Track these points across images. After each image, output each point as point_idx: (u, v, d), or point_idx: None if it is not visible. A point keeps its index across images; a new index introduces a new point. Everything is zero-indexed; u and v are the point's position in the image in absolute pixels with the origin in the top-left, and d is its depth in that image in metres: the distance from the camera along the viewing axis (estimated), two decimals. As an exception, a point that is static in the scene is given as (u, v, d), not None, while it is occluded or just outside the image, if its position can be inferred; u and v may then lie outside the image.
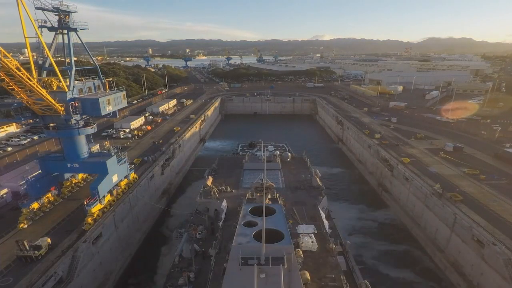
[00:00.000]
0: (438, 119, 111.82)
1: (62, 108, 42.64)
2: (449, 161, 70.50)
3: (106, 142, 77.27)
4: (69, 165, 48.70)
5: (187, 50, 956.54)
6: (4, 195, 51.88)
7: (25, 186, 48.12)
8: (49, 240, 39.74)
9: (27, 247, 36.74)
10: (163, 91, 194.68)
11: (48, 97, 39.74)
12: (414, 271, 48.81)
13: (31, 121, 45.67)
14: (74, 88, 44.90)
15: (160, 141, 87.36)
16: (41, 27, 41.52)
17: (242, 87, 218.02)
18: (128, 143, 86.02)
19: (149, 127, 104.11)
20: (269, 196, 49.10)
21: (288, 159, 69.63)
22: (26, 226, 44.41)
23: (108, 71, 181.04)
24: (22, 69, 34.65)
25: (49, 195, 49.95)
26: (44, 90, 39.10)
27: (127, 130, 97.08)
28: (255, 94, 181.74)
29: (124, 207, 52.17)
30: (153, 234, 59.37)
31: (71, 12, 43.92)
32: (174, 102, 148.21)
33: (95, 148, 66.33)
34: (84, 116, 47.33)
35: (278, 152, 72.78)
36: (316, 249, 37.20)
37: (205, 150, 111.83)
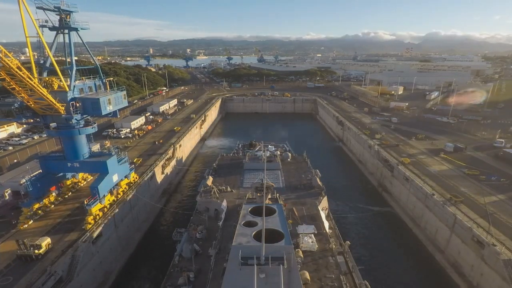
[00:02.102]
0: (438, 120, 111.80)
1: (63, 108, 42.72)
2: (450, 162, 70.51)
3: (107, 141, 77.45)
4: (69, 164, 48.78)
5: (188, 50, 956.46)
6: (7, 195, 52.00)
7: (25, 186, 48.15)
8: (49, 239, 39.81)
9: (27, 246, 36.82)
10: (164, 91, 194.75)
11: (49, 96, 39.82)
12: (414, 271, 48.79)
13: (32, 120, 45.69)
14: (75, 88, 44.94)
15: (161, 141, 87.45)
16: (42, 26, 41.59)
17: (242, 87, 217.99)
18: (129, 143, 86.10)
19: (149, 127, 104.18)
20: (269, 196, 49.16)
21: (289, 159, 69.64)
22: (26, 225, 44.48)
23: (109, 70, 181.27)
24: (23, 68, 34.77)
25: (49, 194, 50.04)
26: (45, 90, 39.20)
27: (128, 130, 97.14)
28: (256, 94, 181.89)
29: (124, 206, 52.22)
30: (153, 233, 59.39)
31: (72, 11, 43.97)
32: (174, 102, 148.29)
33: (96, 147, 66.39)
34: (84, 116, 47.40)
35: (279, 152, 72.80)
36: (316, 249, 37.26)
37: (205, 150, 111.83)
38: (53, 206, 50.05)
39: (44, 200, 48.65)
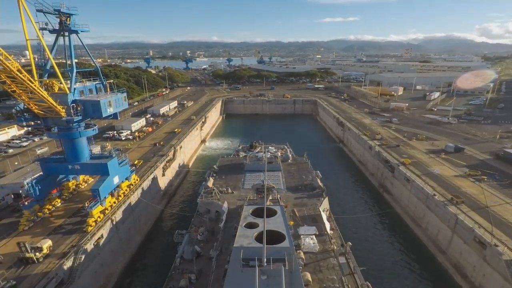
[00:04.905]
0: (439, 120, 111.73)
1: (64, 110, 42.75)
2: (450, 162, 70.42)
3: (107, 143, 77.46)
4: (70, 166, 48.77)
5: (188, 52, 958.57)
6: (12, 198, 52.16)
7: (26, 188, 48.20)
8: (50, 242, 39.79)
9: (28, 249, 36.78)
10: (164, 93, 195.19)
11: (49, 99, 39.83)
12: (416, 272, 48.61)
13: (32, 123, 45.70)
14: (76, 90, 45.00)
15: (161, 143, 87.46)
16: (42, 29, 41.65)
17: (242, 89, 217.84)
18: (129, 145, 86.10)
19: (150, 129, 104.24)
20: (270, 197, 49.10)
21: (289, 160, 69.57)
22: (27, 228, 44.46)
23: (109, 73, 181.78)
24: (23, 71, 34.75)
25: (50, 196, 50.04)
26: (45, 92, 39.22)
27: (128, 132, 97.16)
28: (258, 95, 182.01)
29: (125, 208, 52.19)
30: (154, 235, 59.34)
31: (72, 14, 44.03)
32: (175, 103, 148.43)
33: (96, 149, 66.40)
34: (86, 119, 47.44)
35: (279, 153, 72.73)
36: (317, 250, 37.17)
37: (206, 151, 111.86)
38: (54, 208, 50.07)
39: (48, 206, 48.80)
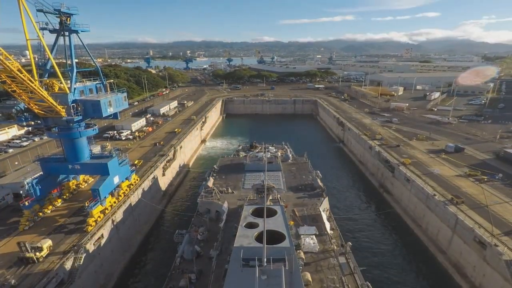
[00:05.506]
0: (439, 120, 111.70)
1: (64, 110, 42.75)
2: (451, 162, 70.40)
3: (108, 143, 77.44)
4: (70, 166, 48.80)
5: (188, 52, 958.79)
6: (12, 197, 52.20)
7: (26, 188, 48.20)
8: (50, 241, 39.80)
9: (29, 249, 36.80)
10: (164, 93, 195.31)
11: (50, 99, 39.83)
12: (416, 272, 48.64)
13: (33, 123, 45.69)
14: (76, 90, 45.01)
15: (161, 143, 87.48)
16: (42, 29, 41.66)
17: (242, 88, 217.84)
18: (129, 145, 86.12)
19: (150, 129, 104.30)
20: (270, 197, 49.07)
21: (289, 160, 69.57)
22: (27, 227, 44.48)
23: (109, 72, 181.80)
24: (23, 71, 34.75)
25: (50, 196, 50.06)
26: (45, 92, 39.22)
27: (128, 132, 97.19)
28: (258, 95, 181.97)
29: (125, 208, 52.20)
30: (154, 235, 59.36)
31: (72, 14, 44.04)
32: (175, 103, 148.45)
33: (96, 149, 66.41)
34: (86, 119, 47.45)
35: (279, 153, 72.71)
36: (318, 250, 37.15)
37: (206, 151, 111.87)
38: (54, 208, 50.09)
39: (48, 206, 48.83)
